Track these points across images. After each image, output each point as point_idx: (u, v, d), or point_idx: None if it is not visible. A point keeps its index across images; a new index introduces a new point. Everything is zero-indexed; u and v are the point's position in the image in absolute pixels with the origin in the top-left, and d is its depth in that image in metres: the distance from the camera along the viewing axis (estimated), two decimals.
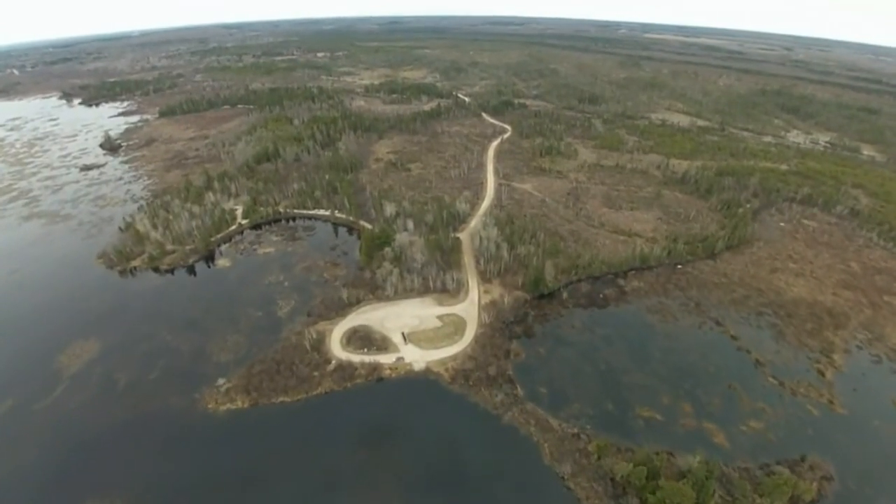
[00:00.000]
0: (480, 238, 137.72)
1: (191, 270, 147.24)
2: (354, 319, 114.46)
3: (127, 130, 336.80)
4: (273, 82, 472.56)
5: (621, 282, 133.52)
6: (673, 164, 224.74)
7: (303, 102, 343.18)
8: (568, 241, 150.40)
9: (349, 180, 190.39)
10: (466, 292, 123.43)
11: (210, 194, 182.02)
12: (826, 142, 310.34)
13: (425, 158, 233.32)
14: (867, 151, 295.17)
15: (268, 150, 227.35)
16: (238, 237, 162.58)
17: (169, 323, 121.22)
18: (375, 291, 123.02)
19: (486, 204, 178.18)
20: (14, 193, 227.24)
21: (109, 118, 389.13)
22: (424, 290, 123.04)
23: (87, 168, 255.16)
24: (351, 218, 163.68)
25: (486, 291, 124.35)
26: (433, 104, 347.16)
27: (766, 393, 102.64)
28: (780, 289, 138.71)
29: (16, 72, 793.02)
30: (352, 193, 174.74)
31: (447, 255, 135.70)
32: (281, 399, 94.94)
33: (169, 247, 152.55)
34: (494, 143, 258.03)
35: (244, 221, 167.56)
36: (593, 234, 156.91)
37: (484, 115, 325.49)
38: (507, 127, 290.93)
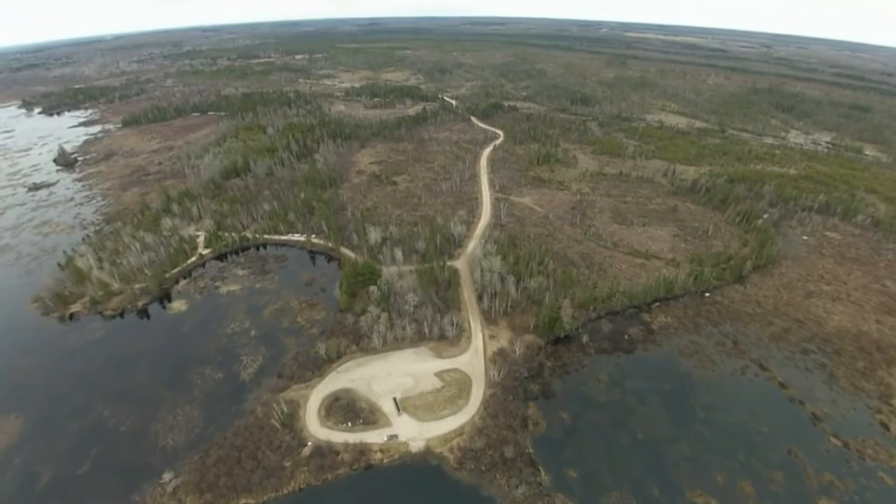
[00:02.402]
0: (482, 269, 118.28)
1: (142, 314, 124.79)
2: (335, 381, 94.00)
3: (86, 142, 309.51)
4: (247, 87, 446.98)
5: (646, 317, 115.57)
6: (679, 171, 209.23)
7: (278, 108, 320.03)
8: (580, 267, 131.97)
9: (327, 198, 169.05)
10: (469, 339, 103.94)
11: (167, 219, 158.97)
12: (827, 142, 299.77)
13: (412, 169, 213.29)
14: (870, 151, 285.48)
15: (237, 163, 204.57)
16: (199, 271, 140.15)
17: (108, 390, 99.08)
18: (360, 342, 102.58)
19: (483, 223, 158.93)
20: None
21: (69, 129, 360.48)
22: (419, 339, 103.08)
23: (35, 188, 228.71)
24: (330, 244, 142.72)
25: (491, 336, 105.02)
26: (418, 108, 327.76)
27: (831, 459, 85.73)
28: (819, 318, 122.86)
29: None
30: (330, 215, 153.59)
31: (444, 292, 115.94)
32: (243, 501, 74.06)
33: (116, 286, 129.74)
34: (487, 151, 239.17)
35: (206, 251, 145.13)
36: (607, 257, 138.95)
37: (473, 118, 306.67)
38: (499, 132, 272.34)
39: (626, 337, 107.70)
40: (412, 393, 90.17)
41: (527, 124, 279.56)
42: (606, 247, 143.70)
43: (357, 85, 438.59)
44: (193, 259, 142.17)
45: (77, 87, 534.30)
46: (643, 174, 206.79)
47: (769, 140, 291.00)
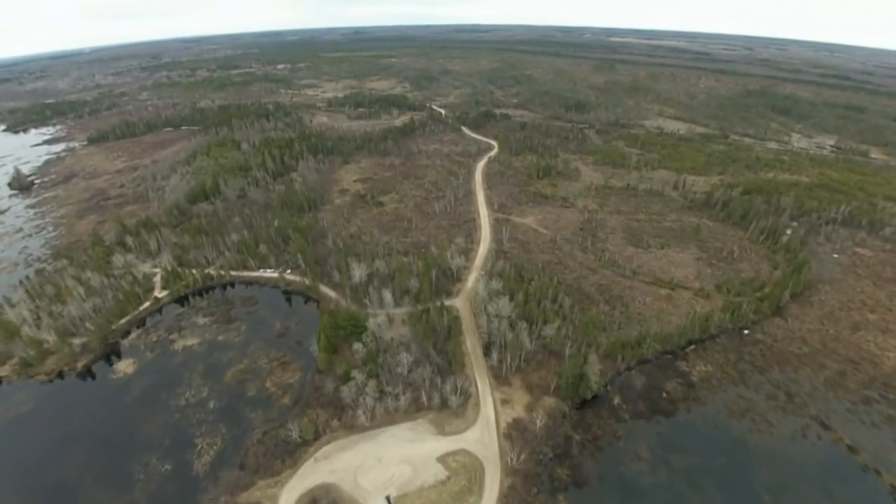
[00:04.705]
0: (487, 315, 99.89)
1: (83, 376, 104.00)
2: (312, 473, 74.51)
3: (46, 163, 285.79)
4: (225, 99, 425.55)
5: (683, 365, 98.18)
6: (689, 182, 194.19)
7: (255, 121, 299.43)
8: (598, 303, 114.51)
9: (305, 226, 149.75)
10: (477, 406, 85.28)
11: (120, 255, 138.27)
12: (832, 146, 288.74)
13: (401, 187, 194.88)
14: (876, 154, 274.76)
15: (205, 185, 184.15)
16: (154, 318, 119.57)
17: (30, 487, 78.37)
18: (342, 414, 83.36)
19: (483, 249, 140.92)
20: None
21: (32, 147, 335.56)
22: (415, 410, 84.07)
23: None
24: (307, 282, 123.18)
25: (504, 401, 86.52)
26: (405, 118, 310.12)
27: None
28: (873, 355, 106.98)
29: None
30: (307, 246, 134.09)
31: (443, 343, 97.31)
32: None
33: (52, 342, 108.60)
34: (481, 164, 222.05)
35: (163, 294, 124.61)
36: (627, 289, 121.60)
37: (464, 128, 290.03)
38: (493, 142, 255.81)
39: (663, 395, 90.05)
40: (410, 487, 71.13)
41: (521, 133, 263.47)
42: (625, 275, 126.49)
43: (340, 94, 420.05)
44: (147, 304, 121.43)
45: (47, 101, 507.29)
46: (651, 186, 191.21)
47: (773, 145, 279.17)
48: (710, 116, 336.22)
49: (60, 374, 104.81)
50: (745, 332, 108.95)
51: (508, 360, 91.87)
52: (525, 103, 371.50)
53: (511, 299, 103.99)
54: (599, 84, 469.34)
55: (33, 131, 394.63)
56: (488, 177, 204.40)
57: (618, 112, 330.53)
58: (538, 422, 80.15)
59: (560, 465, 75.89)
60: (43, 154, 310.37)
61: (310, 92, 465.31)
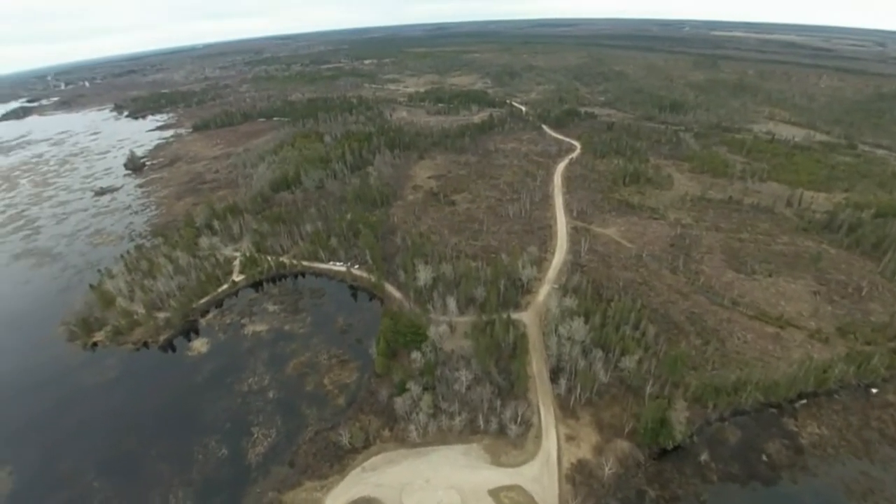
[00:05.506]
0: (558, 336, 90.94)
1: (164, 348, 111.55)
2: (357, 483, 71.66)
3: (157, 147, 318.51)
4: (314, 92, 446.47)
5: (790, 423, 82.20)
6: (806, 199, 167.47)
7: (339, 115, 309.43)
8: (688, 335, 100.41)
9: (375, 221, 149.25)
10: (537, 438, 77.38)
11: (206, 237, 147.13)
12: None
13: (475, 186, 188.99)
14: None
15: (288, 175, 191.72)
16: (230, 300, 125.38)
17: (103, 453, 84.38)
18: (394, 426, 79.75)
19: (557, 260, 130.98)
20: (21, 222, 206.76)
21: (147, 132, 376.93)
22: (470, 432, 78.16)
23: (101, 192, 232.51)
24: (373, 279, 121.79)
25: (569, 438, 77.67)
26: (484, 115, 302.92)
27: None
28: None
29: (86, 84, 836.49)
30: (375, 244, 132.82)
31: (506, 362, 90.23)
32: None
33: (141, 313, 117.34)
34: (561, 166, 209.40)
35: (240, 278, 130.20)
36: (724, 321, 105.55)
37: (545, 127, 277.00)
38: (575, 143, 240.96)
39: (763, 457, 75.66)
40: None
41: (608, 134, 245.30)
42: (723, 305, 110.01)
43: (422, 90, 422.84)
44: (225, 287, 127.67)
45: (162, 91, 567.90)
46: (758, 201, 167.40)
47: None
48: (832, 122, 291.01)
49: (146, 345, 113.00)
50: (874, 390, 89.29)
51: (578, 390, 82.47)
52: (613, 101, 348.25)
53: (586, 321, 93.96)
54: (699, 82, 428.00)
55: (150, 118, 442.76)
56: (568, 180, 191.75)
57: (720, 114, 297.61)
58: (607, 468, 70.49)
59: None
60: (155, 139, 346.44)
61: (392, 87, 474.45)
